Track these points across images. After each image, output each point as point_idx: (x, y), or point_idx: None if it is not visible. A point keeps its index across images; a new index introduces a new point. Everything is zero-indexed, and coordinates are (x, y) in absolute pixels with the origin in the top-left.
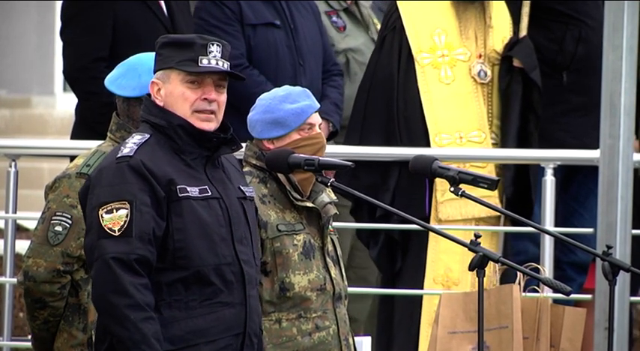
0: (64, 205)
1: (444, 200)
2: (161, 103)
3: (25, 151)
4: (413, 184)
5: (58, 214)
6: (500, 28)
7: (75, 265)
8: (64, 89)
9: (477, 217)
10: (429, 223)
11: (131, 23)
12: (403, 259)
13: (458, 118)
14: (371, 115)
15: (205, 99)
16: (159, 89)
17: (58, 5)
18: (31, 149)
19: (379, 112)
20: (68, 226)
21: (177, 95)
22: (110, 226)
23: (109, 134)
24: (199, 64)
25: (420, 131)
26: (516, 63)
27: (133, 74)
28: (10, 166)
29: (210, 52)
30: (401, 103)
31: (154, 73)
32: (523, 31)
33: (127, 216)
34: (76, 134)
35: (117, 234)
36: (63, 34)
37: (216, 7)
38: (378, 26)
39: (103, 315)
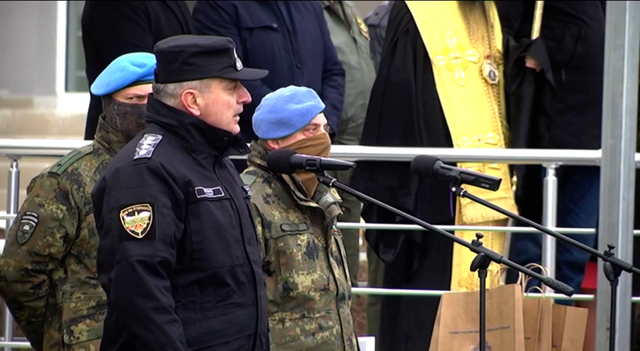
0: (33, 204)
1: (467, 203)
2: (197, 113)
3: (26, 152)
4: (435, 188)
5: (27, 213)
6: (497, 28)
7: (49, 264)
8: (66, 89)
9: (496, 219)
10: (453, 225)
11: (160, 22)
12: (420, 261)
13: (474, 120)
14: (387, 119)
15: (243, 102)
16: (195, 99)
17: (60, 5)
18: (32, 149)
19: (396, 116)
20: (34, 224)
21: (222, 103)
22: (133, 228)
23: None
24: (237, 69)
25: (441, 134)
26: (531, 64)
27: (105, 73)
28: (12, 167)
29: (234, 55)
30: (420, 107)
31: (182, 82)
32: (536, 33)
33: (149, 218)
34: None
35: (140, 236)
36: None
37: (213, 10)
38: (362, 26)
39: (127, 317)
